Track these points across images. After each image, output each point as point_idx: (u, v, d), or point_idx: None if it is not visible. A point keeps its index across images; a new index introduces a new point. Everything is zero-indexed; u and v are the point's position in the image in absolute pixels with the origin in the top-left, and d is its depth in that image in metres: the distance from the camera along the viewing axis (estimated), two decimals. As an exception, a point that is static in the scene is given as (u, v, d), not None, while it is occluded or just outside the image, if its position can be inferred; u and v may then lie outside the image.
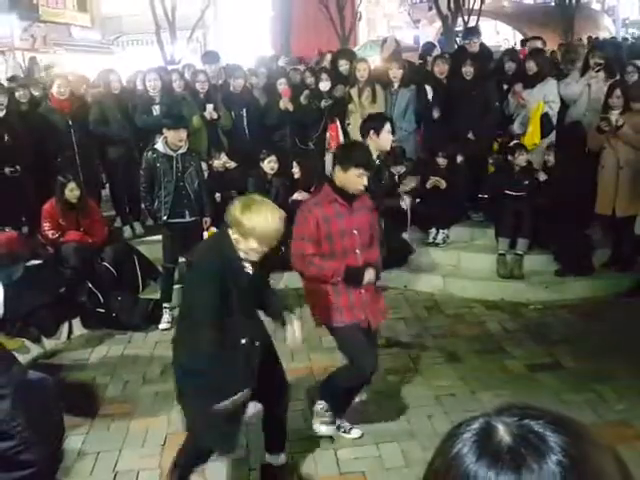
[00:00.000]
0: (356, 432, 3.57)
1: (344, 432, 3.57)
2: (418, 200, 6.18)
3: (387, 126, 4.27)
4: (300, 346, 3.00)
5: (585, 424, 0.69)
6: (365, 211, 3.36)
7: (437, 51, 6.83)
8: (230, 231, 2.69)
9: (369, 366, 3.31)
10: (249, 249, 2.68)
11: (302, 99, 6.57)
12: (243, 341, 2.73)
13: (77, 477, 3.38)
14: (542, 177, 5.82)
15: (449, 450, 0.66)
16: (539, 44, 7.16)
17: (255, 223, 2.61)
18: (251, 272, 2.79)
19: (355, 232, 3.27)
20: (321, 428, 3.52)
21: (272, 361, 3.04)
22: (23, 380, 1.23)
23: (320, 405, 3.51)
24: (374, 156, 4.33)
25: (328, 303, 3.29)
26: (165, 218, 5.17)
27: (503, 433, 0.64)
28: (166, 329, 5.23)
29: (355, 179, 3.20)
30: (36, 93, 6.56)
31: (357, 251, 3.28)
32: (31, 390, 1.25)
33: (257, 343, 2.82)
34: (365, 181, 3.21)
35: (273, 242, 2.70)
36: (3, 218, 5.70)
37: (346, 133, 6.43)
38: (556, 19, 20.08)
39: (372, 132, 4.29)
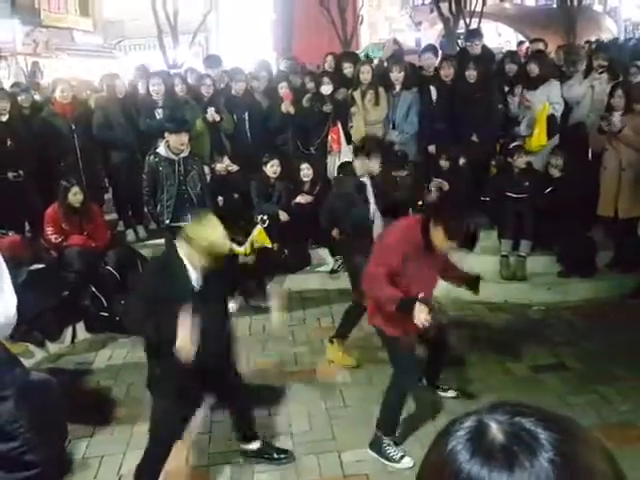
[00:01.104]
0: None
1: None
2: (420, 202, 6.18)
3: (377, 152, 4.31)
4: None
5: (576, 422, 0.70)
6: (439, 258, 3.32)
7: (431, 54, 6.79)
8: None
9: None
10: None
11: (304, 102, 6.58)
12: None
13: (81, 480, 3.38)
14: (557, 174, 5.77)
15: (443, 448, 0.67)
16: (541, 46, 7.16)
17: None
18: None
19: (425, 276, 3.30)
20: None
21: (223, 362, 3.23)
22: (26, 382, 1.25)
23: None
24: (364, 175, 4.35)
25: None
26: (167, 222, 5.18)
27: (496, 431, 0.65)
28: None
29: (444, 244, 3.12)
30: (38, 98, 6.58)
31: (428, 288, 3.34)
32: (34, 392, 1.26)
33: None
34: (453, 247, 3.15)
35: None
36: (6, 222, 5.71)
37: (348, 136, 6.44)
38: (558, 21, 20.07)
39: (364, 155, 4.32)
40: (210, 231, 3.00)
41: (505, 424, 0.66)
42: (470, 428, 0.67)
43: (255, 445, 3.46)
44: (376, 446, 3.43)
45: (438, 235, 3.10)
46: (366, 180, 4.39)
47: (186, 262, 3.01)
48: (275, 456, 3.47)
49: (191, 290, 3.01)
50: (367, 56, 8.64)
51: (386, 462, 3.38)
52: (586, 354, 4.48)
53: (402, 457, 3.37)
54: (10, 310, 2.45)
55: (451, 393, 4.06)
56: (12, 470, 1.15)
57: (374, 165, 4.34)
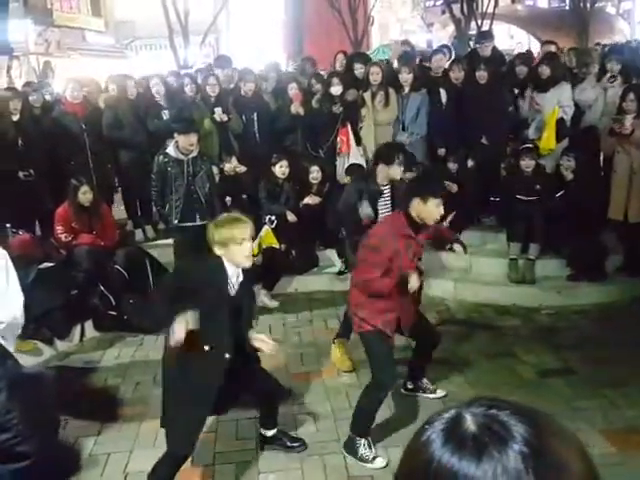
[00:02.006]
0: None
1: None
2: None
3: (399, 159, 4.29)
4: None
5: (554, 418, 0.71)
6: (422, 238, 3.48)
7: (441, 55, 6.78)
8: None
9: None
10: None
11: (314, 103, 6.58)
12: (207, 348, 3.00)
13: (88, 478, 3.40)
14: (569, 176, 5.74)
15: (420, 437, 0.70)
16: (552, 48, 7.12)
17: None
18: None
19: (415, 259, 3.44)
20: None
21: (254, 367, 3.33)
22: (18, 374, 1.26)
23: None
24: (384, 184, 4.37)
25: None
26: (176, 222, 5.20)
27: (469, 422, 0.68)
28: (177, 332, 5.26)
29: (434, 209, 3.24)
30: (49, 97, 6.63)
31: (411, 272, 3.34)
32: (26, 384, 1.28)
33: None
34: (442, 211, 3.28)
35: None
36: (17, 221, 5.76)
37: (358, 137, 6.44)
38: (570, 23, 19.98)
39: (382, 162, 4.34)
40: (236, 229, 3.00)
41: (479, 416, 0.68)
42: (447, 419, 0.70)
43: (271, 432, 3.54)
44: (350, 447, 3.44)
45: (429, 208, 3.23)
46: (386, 187, 4.40)
47: (227, 269, 3.02)
48: (289, 444, 3.54)
49: (227, 296, 3.03)
50: (386, 61, 8.61)
51: (360, 463, 3.39)
52: (594, 358, 4.45)
53: (375, 458, 3.38)
54: (17, 309, 2.47)
55: (440, 392, 4.06)
56: (5, 461, 1.17)
57: (395, 171, 4.33)
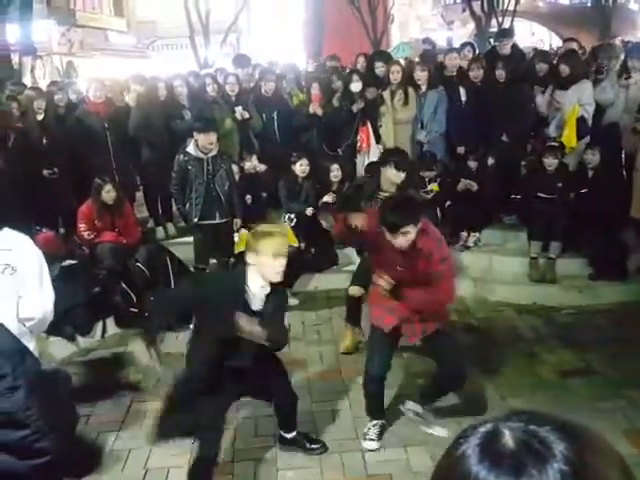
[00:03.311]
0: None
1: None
2: (449, 203, 6.15)
3: (391, 164, 4.14)
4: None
5: (595, 432, 0.69)
6: (420, 257, 3.19)
7: (455, 54, 6.73)
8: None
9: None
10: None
11: (334, 101, 6.59)
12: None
13: (109, 473, 3.45)
14: (592, 165, 5.67)
15: (455, 451, 0.68)
16: (574, 46, 7.04)
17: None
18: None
19: (399, 268, 3.24)
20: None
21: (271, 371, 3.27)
22: (37, 372, 1.29)
23: None
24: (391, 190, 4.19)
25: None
26: (196, 220, 5.25)
27: (508, 438, 0.66)
28: (197, 329, 5.31)
29: (393, 176, 3.29)
30: (74, 97, 6.72)
31: (403, 283, 3.26)
32: (44, 381, 1.31)
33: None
34: (401, 243, 3.11)
35: None
36: (41, 219, 5.85)
37: (378, 136, 6.43)
38: (592, 20, 19.72)
39: (380, 166, 4.33)
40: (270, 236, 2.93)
41: (518, 431, 0.66)
42: (484, 433, 0.68)
43: (291, 435, 3.53)
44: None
45: (388, 173, 3.31)
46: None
47: (250, 282, 2.95)
48: (308, 446, 3.53)
49: (247, 310, 2.95)
50: (406, 59, 8.60)
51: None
52: (615, 358, 4.39)
53: (370, 439, 3.53)
54: (48, 306, 2.53)
55: (440, 431, 3.57)
56: (24, 457, 1.20)
57: (390, 173, 4.17)
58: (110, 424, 3.91)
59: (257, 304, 2.97)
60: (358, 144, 6.34)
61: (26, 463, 1.25)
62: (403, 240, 3.09)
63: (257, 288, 2.97)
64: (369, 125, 6.36)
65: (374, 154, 6.24)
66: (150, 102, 6.55)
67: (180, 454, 3.54)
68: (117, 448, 3.68)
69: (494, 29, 17.07)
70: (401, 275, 3.25)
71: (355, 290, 4.59)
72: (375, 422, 3.61)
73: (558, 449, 0.64)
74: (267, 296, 2.98)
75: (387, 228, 3.08)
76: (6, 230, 2.44)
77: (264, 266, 2.89)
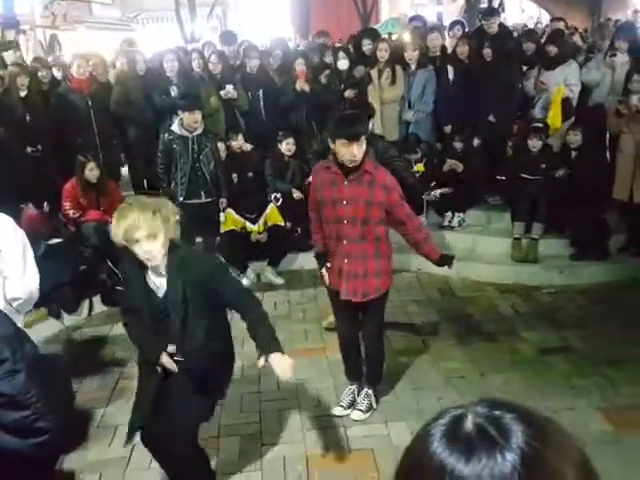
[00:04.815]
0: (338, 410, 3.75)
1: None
2: (434, 184, 6.19)
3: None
4: (290, 378, 2.66)
5: (561, 427, 0.71)
6: (363, 185, 3.27)
7: (437, 34, 6.68)
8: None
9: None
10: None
11: (322, 79, 6.54)
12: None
13: (96, 448, 3.51)
14: (575, 146, 5.74)
15: (424, 430, 0.72)
16: (561, 25, 7.03)
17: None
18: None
19: (345, 202, 3.30)
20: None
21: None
22: (36, 355, 1.35)
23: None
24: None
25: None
26: (181, 199, 5.25)
27: (469, 421, 0.68)
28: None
29: (341, 149, 3.22)
30: (58, 74, 6.63)
31: (345, 222, 3.33)
32: (43, 365, 1.36)
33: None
34: (354, 152, 3.18)
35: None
36: (25, 197, 5.82)
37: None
38: (583, -3, 19.57)
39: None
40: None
41: (481, 416, 0.68)
42: (451, 416, 0.71)
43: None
44: None
45: (339, 146, 3.22)
46: None
47: (145, 262, 2.53)
48: None
49: (153, 299, 2.61)
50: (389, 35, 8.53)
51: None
52: (594, 337, 4.51)
53: (340, 405, 3.74)
54: (34, 285, 2.55)
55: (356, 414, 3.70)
56: (24, 436, 1.27)
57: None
58: (97, 401, 3.97)
59: (159, 292, 2.63)
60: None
61: (26, 441, 1.30)
62: (359, 151, 3.20)
63: (152, 276, 2.63)
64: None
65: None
66: (129, 77, 6.48)
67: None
68: (104, 424, 3.74)
69: (484, 5, 16.93)
70: (347, 211, 3.31)
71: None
72: (350, 387, 3.79)
73: (516, 437, 0.65)
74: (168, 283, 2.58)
75: (347, 138, 3.17)
76: None
77: (135, 251, 2.48)
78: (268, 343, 2.57)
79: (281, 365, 2.51)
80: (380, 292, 3.48)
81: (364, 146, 3.23)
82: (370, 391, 3.74)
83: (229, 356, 2.86)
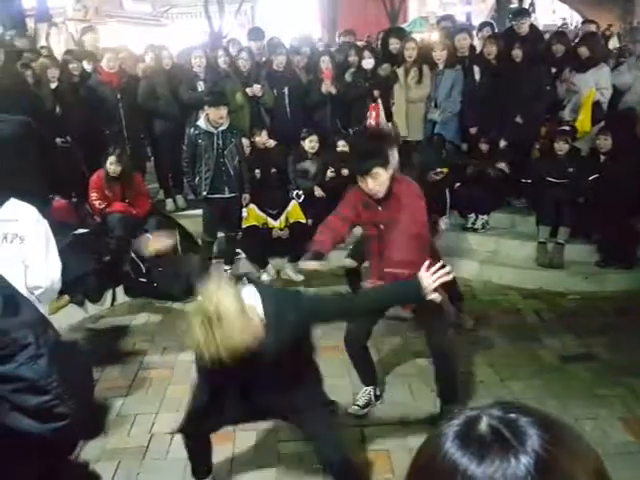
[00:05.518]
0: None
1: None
2: (458, 185, 6.14)
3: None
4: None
5: (578, 434, 0.70)
6: (398, 206, 3.19)
7: (465, 34, 6.60)
8: None
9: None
10: None
11: (346, 77, 6.54)
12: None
13: (115, 436, 3.56)
14: (605, 150, 5.62)
15: (438, 430, 0.72)
16: (593, 28, 6.92)
17: None
18: None
19: (382, 226, 3.25)
20: None
21: None
22: (57, 342, 1.37)
23: None
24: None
25: None
26: (205, 193, 5.29)
27: (483, 423, 0.68)
28: (204, 301, 5.39)
29: (360, 183, 3.18)
30: (88, 66, 6.73)
31: (387, 240, 3.25)
32: (64, 351, 1.39)
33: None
34: (369, 185, 3.11)
35: None
36: (54, 188, 5.91)
37: (390, 114, 6.40)
38: (615, -1, 19.22)
39: None
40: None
41: (496, 418, 0.68)
42: (466, 417, 0.70)
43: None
44: None
45: (358, 179, 3.17)
46: None
47: None
48: None
49: None
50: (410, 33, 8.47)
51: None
52: (618, 346, 4.42)
53: (356, 405, 3.68)
54: (56, 275, 2.59)
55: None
56: (45, 421, 1.29)
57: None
58: (117, 390, 4.02)
59: None
60: (367, 121, 6.31)
61: (46, 426, 1.33)
62: (374, 184, 3.10)
63: None
64: (380, 102, 6.33)
65: (384, 132, 6.21)
66: (155, 71, 6.54)
67: (184, 422, 3.65)
68: (123, 413, 3.78)
69: (514, 5, 16.72)
70: (385, 233, 3.24)
71: (349, 262, 4.66)
72: (365, 389, 3.75)
73: (531, 440, 0.65)
74: None
75: (359, 173, 3.11)
76: (12, 201, 2.48)
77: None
78: (399, 285, 2.65)
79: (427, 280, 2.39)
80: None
81: (382, 177, 3.09)
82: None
83: None
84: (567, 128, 5.80)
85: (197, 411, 2.72)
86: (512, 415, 0.68)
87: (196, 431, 2.79)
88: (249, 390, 2.52)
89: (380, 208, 3.23)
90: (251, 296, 2.28)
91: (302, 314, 2.38)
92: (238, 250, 5.91)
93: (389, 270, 3.15)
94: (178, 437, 3.50)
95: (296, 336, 2.38)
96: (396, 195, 3.20)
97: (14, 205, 2.48)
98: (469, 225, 6.16)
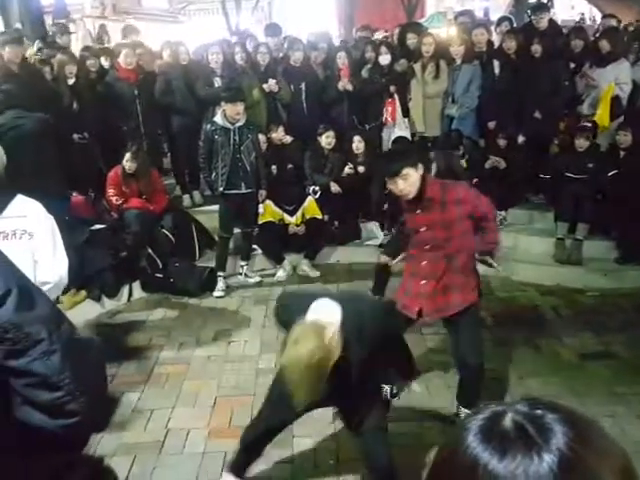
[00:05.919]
0: None
1: None
2: (476, 180, 6.08)
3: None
4: None
5: (605, 431, 0.68)
6: (435, 210, 3.18)
7: (482, 29, 6.51)
8: None
9: None
10: None
11: (363, 73, 6.51)
12: None
13: (132, 431, 3.58)
14: (625, 145, 5.55)
15: (463, 424, 0.71)
16: (613, 22, 6.82)
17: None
18: None
19: (423, 229, 3.25)
20: None
21: None
22: (71, 338, 1.37)
23: None
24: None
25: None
26: (221, 189, 5.29)
27: (508, 419, 0.67)
28: (220, 297, 5.41)
29: (391, 186, 3.19)
30: (106, 63, 6.76)
31: (426, 246, 3.28)
32: (78, 347, 1.38)
33: None
34: (398, 187, 3.11)
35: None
36: (71, 183, 5.95)
37: (407, 109, 6.36)
38: (636, -8, 18.89)
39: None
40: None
41: (521, 414, 0.67)
42: (490, 412, 0.69)
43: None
44: None
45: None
46: None
47: None
48: None
49: None
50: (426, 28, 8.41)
51: None
52: (637, 343, 4.36)
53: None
54: (63, 271, 2.60)
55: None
56: (56, 417, 1.29)
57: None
58: (134, 384, 4.04)
59: None
60: (384, 117, 6.27)
61: (57, 422, 1.33)
62: (405, 185, 3.09)
63: None
64: (396, 98, 6.29)
65: (400, 128, 6.18)
66: (172, 67, 6.57)
67: (199, 417, 3.67)
68: (140, 408, 3.80)
69: (533, 0, 16.53)
70: (427, 236, 3.26)
71: (384, 258, 4.61)
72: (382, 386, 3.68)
73: (555, 440, 0.63)
74: None
75: (387, 176, 3.12)
76: (20, 197, 2.49)
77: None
78: None
79: None
80: (465, 305, 3.37)
81: (412, 178, 3.08)
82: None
83: None
84: (588, 124, 5.72)
85: (269, 429, 2.80)
86: (538, 411, 0.67)
87: (260, 447, 2.87)
88: (328, 398, 2.54)
89: (418, 212, 3.23)
90: (331, 311, 2.35)
91: (380, 324, 2.51)
92: (254, 246, 5.92)
93: (439, 315, 3.37)
94: (194, 432, 3.54)
95: (375, 343, 2.45)
96: (433, 197, 3.16)
97: (22, 201, 2.50)
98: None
